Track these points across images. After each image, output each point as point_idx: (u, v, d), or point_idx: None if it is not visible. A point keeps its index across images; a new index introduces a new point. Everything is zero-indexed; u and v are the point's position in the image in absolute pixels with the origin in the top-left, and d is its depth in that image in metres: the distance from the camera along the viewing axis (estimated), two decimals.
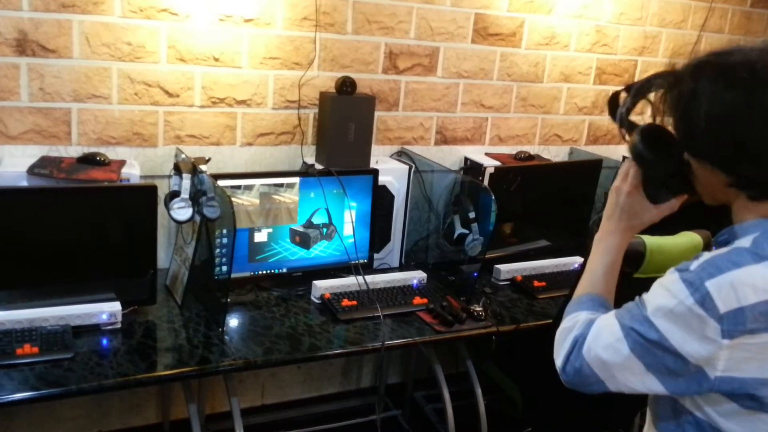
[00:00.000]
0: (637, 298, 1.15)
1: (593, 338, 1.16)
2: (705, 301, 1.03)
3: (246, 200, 2.27)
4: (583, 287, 1.30)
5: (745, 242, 1.10)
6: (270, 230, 2.35)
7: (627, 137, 1.23)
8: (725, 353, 1.04)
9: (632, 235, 1.31)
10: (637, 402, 2.48)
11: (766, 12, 3.59)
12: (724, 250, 1.10)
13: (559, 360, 1.22)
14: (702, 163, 1.14)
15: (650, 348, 1.08)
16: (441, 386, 2.41)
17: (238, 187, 2.26)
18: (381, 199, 2.55)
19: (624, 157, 3.20)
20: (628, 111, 1.22)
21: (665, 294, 1.08)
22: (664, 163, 1.17)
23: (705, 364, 1.06)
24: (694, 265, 1.08)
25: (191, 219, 2.09)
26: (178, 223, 2.10)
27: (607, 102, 1.28)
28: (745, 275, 1.04)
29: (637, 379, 1.11)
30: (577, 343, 1.18)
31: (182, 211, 2.06)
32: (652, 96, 1.19)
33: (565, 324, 1.24)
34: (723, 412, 1.11)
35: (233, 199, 2.12)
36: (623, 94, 1.24)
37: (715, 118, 1.07)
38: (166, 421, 2.66)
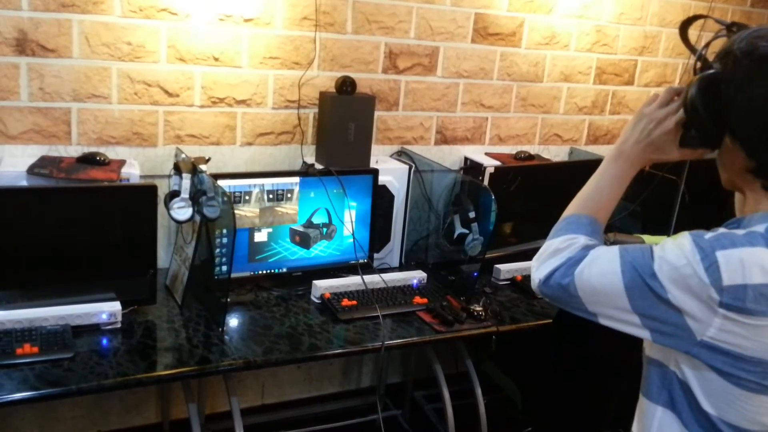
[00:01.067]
0: (644, 246, 1.14)
1: (589, 263, 1.15)
2: (711, 269, 1.04)
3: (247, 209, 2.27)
4: (586, 205, 1.29)
5: (758, 228, 1.10)
6: (270, 230, 2.35)
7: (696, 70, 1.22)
8: (718, 321, 1.04)
9: (647, 166, 1.30)
10: (636, 402, 2.48)
11: (766, 12, 3.59)
12: (739, 230, 1.10)
13: (541, 271, 1.20)
14: (731, 140, 1.14)
15: (646, 293, 1.08)
16: (441, 386, 2.41)
17: (239, 194, 2.26)
18: (381, 198, 2.55)
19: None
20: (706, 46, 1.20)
21: (675, 251, 1.08)
22: (711, 123, 1.16)
23: (695, 324, 1.06)
24: (708, 234, 1.08)
25: (191, 219, 2.09)
26: (178, 222, 2.10)
27: (681, 24, 1.30)
28: (756, 255, 1.04)
29: (620, 314, 1.12)
30: (569, 262, 1.17)
31: (182, 210, 2.06)
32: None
33: (557, 242, 1.22)
34: (701, 378, 1.11)
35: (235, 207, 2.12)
36: (702, 21, 1.24)
37: (754, 101, 1.09)
38: (166, 420, 2.66)
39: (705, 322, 1.05)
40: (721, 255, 1.04)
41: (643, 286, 1.09)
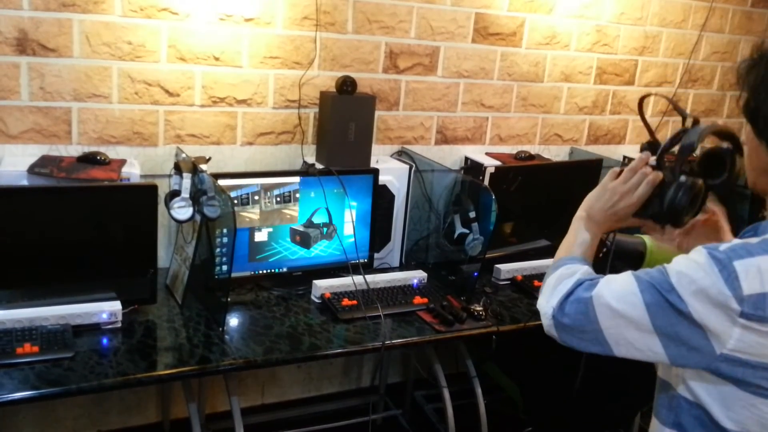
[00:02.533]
0: (658, 266, 1.15)
1: (604, 285, 1.15)
2: (731, 280, 1.04)
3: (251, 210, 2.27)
4: (573, 252, 1.31)
5: None
6: (270, 230, 2.35)
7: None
8: (737, 332, 1.04)
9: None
10: (637, 402, 2.48)
11: (766, 12, 3.59)
12: (754, 239, 1.11)
13: (553, 300, 1.19)
14: (761, 140, 1.15)
15: (667, 309, 1.08)
16: (441, 386, 2.41)
17: (240, 198, 2.26)
18: (381, 198, 2.55)
19: (625, 158, 3.20)
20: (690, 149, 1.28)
21: (692, 266, 1.08)
22: (684, 218, 1.26)
23: (715, 338, 1.06)
24: (723, 246, 1.09)
25: (191, 218, 2.09)
26: (179, 222, 2.10)
27: (639, 101, 1.42)
28: None
29: (640, 337, 1.11)
30: (582, 286, 1.17)
31: (182, 210, 2.06)
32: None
33: (559, 272, 1.23)
34: (717, 394, 1.11)
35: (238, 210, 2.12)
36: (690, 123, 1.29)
37: None
38: (166, 420, 2.66)
39: (725, 334, 1.05)
40: (738, 265, 1.05)
41: (663, 302, 1.08)
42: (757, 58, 1.13)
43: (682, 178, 1.26)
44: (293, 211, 2.37)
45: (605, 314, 1.13)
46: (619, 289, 1.13)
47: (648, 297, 1.10)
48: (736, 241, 1.11)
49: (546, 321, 1.21)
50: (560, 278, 1.22)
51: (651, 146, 1.35)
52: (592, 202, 1.34)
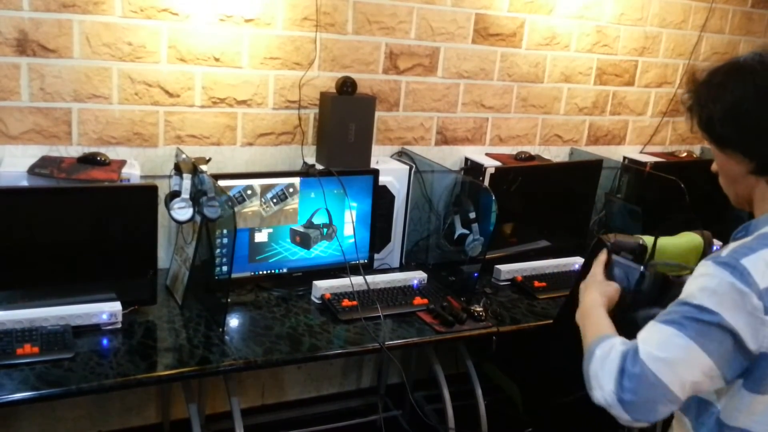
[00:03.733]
0: (672, 304, 1.17)
1: (644, 343, 1.14)
2: (745, 276, 1.07)
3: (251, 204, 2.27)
4: (597, 332, 1.30)
5: (765, 230, 1.14)
6: (270, 230, 2.35)
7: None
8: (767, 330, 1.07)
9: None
10: None
11: (766, 12, 3.59)
12: (747, 238, 1.14)
13: (606, 382, 1.15)
14: (726, 151, 1.21)
15: (709, 329, 1.09)
16: (441, 386, 2.41)
17: (241, 193, 2.26)
18: (381, 199, 2.55)
19: (625, 158, 3.20)
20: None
21: (704, 279, 1.10)
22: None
23: (749, 339, 1.08)
24: (724, 252, 1.12)
25: (192, 219, 2.10)
26: (179, 223, 2.11)
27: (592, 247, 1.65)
28: None
29: (700, 370, 1.10)
30: (628, 356, 1.14)
31: (183, 211, 2.06)
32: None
33: (596, 355, 1.21)
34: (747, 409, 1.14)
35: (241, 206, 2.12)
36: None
37: (731, 108, 1.16)
38: (167, 421, 2.66)
39: (757, 334, 1.08)
40: (746, 261, 1.08)
41: (703, 325, 1.09)
42: (693, 86, 1.23)
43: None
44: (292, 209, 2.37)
45: (664, 370, 1.11)
46: (661, 341, 1.12)
47: (688, 330, 1.10)
48: (733, 244, 1.14)
49: (614, 410, 1.16)
50: (602, 361, 1.18)
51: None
52: (583, 298, 1.46)
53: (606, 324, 1.32)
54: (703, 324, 1.09)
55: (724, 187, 1.28)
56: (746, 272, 1.07)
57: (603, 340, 1.24)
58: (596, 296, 1.42)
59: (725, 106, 1.17)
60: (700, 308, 1.09)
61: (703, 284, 1.10)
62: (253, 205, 2.29)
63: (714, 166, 1.28)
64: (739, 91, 1.16)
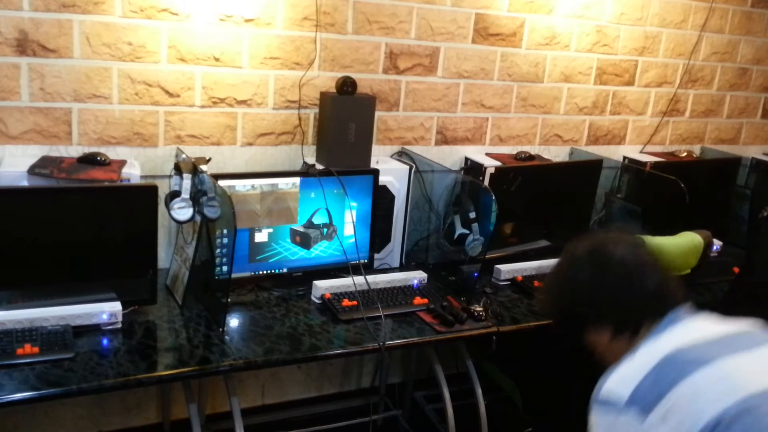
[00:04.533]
0: None
1: None
2: (607, 404, 1.19)
3: (246, 193, 2.27)
4: None
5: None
6: (270, 230, 2.35)
7: None
8: (662, 430, 1.12)
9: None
10: None
11: (766, 12, 3.60)
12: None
13: None
14: (588, 329, 1.44)
15: None
16: (441, 386, 2.41)
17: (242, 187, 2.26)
18: (381, 199, 2.55)
19: (625, 158, 3.20)
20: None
21: (595, 429, 1.23)
22: None
23: None
24: (602, 388, 1.26)
25: (192, 219, 2.09)
26: (179, 223, 2.11)
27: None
28: (616, 374, 1.23)
29: None
30: None
31: (183, 211, 2.06)
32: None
33: None
34: None
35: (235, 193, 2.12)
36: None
37: (582, 286, 1.47)
38: (167, 421, 2.66)
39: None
40: (601, 394, 1.25)
41: None
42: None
43: None
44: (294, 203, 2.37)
45: None
46: None
47: None
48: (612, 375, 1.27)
49: None
50: None
51: None
52: None
53: None
54: None
55: (600, 357, 1.44)
56: (606, 401, 1.21)
57: None
58: None
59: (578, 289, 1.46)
60: None
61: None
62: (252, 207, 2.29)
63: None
64: (577, 280, 1.48)
